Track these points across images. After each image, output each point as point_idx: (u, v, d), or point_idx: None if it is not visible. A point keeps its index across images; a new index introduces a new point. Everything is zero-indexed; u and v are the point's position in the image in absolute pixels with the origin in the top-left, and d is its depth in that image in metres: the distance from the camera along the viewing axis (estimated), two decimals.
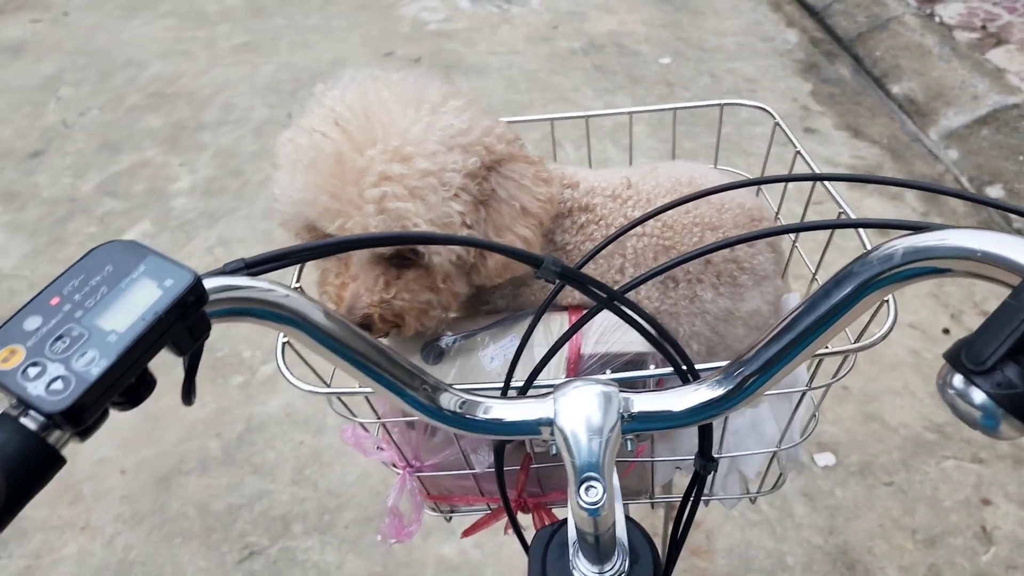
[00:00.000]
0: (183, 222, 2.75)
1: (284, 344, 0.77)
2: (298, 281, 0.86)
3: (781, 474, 0.99)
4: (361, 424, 0.88)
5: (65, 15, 4.25)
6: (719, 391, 0.56)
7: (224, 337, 2.26)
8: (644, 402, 0.58)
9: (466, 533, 1.02)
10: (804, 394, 0.86)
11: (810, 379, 0.83)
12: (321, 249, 0.58)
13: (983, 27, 3.50)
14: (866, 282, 0.50)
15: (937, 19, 3.59)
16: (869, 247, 0.80)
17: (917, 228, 0.49)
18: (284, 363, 0.76)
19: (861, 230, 0.81)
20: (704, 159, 3.00)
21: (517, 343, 0.84)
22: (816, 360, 0.79)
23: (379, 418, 0.83)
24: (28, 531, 1.85)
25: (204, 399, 2.12)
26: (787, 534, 1.75)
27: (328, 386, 0.78)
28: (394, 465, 0.90)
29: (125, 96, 3.51)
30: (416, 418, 0.82)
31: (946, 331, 2.21)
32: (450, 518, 1.03)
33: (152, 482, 1.94)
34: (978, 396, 0.43)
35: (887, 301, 0.75)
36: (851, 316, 0.52)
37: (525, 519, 0.89)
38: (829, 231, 0.84)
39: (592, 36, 3.83)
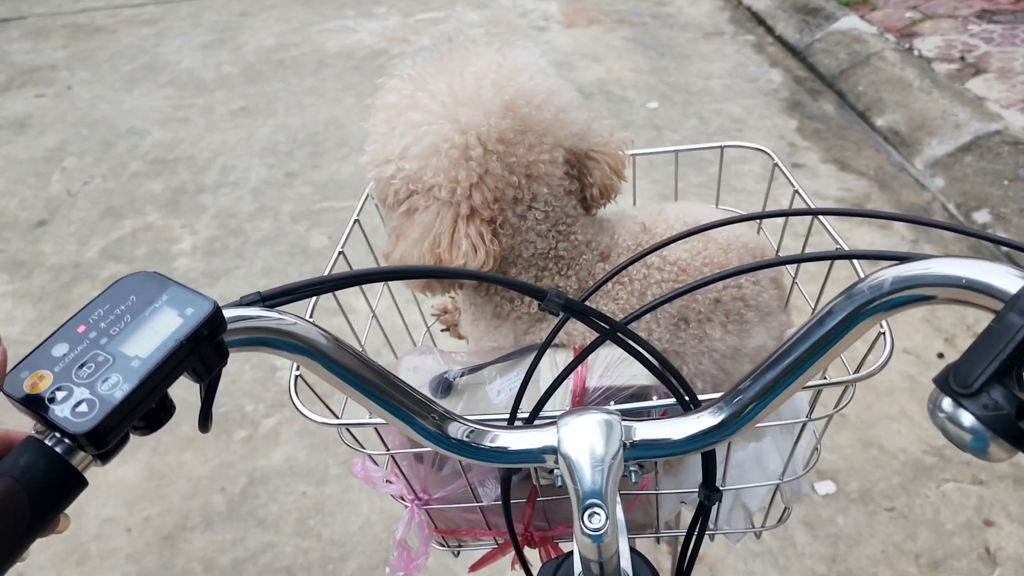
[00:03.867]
0: (186, 282, 2.77)
1: (296, 377, 0.79)
2: (311, 315, 0.87)
3: (786, 508, 1.00)
4: (371, 458, 0.90)
5: (68, 89, 4.37)
6: (718, 418, 0.58)
7: (226, 393, 2.29)
8: (645, 430, 0.59)
9: (473, 567, 1.03)
10: (804, 426, 0.87)
11: (810, 410, 0.84)
12: (334, 282, 0.60)
13: (961, 58, 3.58)
14: (857, 310, 0.51)
15: (916, 52, 3.67)
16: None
17: (905, 258, 0.51)
18: (297, 395, 0.78)
19: (856, 261, 0.82)
20: (695, 197, 3.05)
21: (523, 377, 0.87)
22: (816, 391, 0.81)
23: (388, 450, 0.84)
24: None
25: (208, 454, 2.14)
26: (790, 564, 1.75)
27: (339, 418, 0.80)
28: (402, 498, 0.92)
29: (127, 163, 3.59)
30: (424, 450, 0.85)
31: (940, 355, 2.22)
32: (458, 552, 1.04)
33: (158, 539, 1.95)
34: (967, 419, 0.44)
35: (883, 332, 0.77)
36: (844, 344, 0.53)
37: (532, 554, 0.90)
38: (827, 264, 0.87)
39: (581, 84, 3.92)
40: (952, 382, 0.45)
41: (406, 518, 0.92)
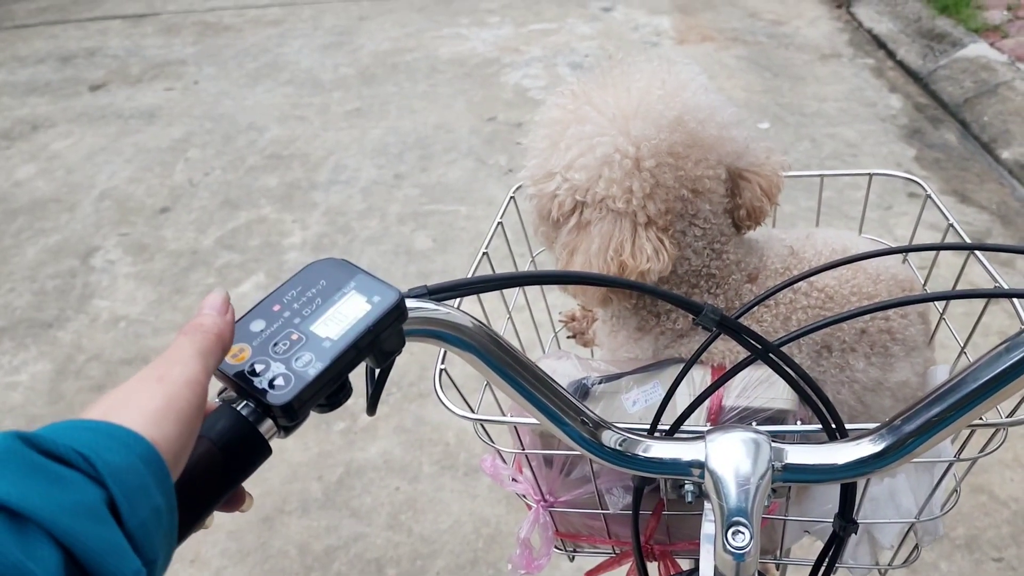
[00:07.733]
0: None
1: (442, 371, 0.81)
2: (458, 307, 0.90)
3: (916, 548, 0.97)
4: (500, 456, 0.92)
5: (195, 83, 4.59)
6: (878, 447, 0.57)
7: None
8: (797, 454, 0.59)
9: (589, 574, 1.04)
10: (950, 466, 0.84)
11: (959, 450, 0.81)
12: (501, 281, 0.62)
13: None
14: None
15: None
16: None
17: None
18: (440, 388, 0.80)
19: (1016, 300, 0.78)
20: (803, 222, 2.96)
21: (659, 390, 0.87)
22: (968, 432, 0.78)
23: (522, 449, 0.86)
24: None
25: (308, 443, 2.21)
26: None
27: (475, 413, 0.82)
28: (524, 497, 0.93)
29: (245, 157, 3.75)
30: (556, 452, 0.86)
31: None
32: (573, 557, 1.05)
33: (257, 520, 2.03)
34: None
35: None
36: (1018, 385, 0.52)
37: (650, 568, 0.90)
38: (982, 303, 0.83)
39: None
40: None
41: (531, 518, 0.93)
